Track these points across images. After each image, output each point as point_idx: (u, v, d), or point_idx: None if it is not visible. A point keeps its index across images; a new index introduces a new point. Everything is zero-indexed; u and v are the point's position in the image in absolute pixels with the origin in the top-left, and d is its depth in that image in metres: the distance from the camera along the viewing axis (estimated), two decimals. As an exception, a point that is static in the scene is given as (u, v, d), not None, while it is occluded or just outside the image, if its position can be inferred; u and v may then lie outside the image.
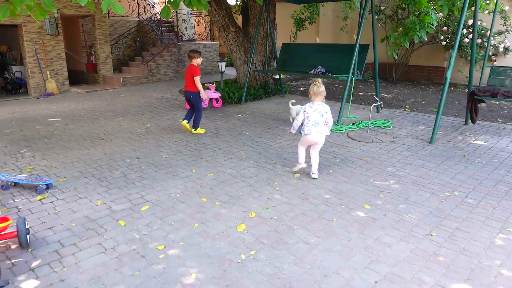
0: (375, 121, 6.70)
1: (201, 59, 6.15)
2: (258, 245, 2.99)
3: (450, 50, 10.04)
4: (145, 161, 4.89)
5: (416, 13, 7.41)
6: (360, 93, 9.59)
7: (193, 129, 6.20)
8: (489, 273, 2.66)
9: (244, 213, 3.51)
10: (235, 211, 3.54)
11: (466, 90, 9.72)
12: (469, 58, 9.44)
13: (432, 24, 7.36)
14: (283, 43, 8.74)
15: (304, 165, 4.45)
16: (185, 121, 6.14)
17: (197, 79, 5.96)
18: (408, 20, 7.39)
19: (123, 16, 12.94)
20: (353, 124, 6.62)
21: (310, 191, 3.97)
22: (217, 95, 8.03)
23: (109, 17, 12.55)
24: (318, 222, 3.34)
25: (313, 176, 4.31)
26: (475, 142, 5.64)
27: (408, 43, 7.85)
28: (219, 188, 4.06)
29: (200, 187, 4.09)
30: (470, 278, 2.60)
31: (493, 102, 8.28)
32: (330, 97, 9.21)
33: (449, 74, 5.46)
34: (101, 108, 8.28)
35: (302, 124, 4.31)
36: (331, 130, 6.15)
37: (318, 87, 4.18)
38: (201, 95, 6.09)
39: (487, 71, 6.63)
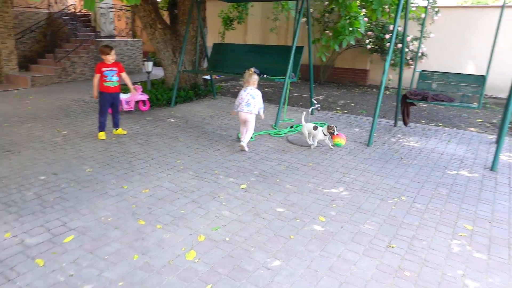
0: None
1: (114, 56, 5.52)
2: (214, 276, 2.59)
3: (374, 53, 10.53)
4: (65, 177, 4.17)
5: (346, 18, 7.53)
6: (292, 95, 9.58)
7: (115, 129, 5.78)
8: (455, 285, 2.59)
9: (192, 236, 3.07)
10: (180, 235, 3.09)
11: (388, 93, 10.29)
12: (394, 62, 9.98)
13: (361, 30, 7.56)
14: (214, 43, 8.34)
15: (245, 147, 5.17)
16: (117, 130, 5.73)
17: (125, 75, 5.59)
18: (339, 24, 7.48)
19: (30, 7, 11.42)
20: (290, 127, 6.48)
21: (260, 204, 3.66)
22: (144, 97, 7.36)
23: (12, 8, 10.97)
24: (275, 241, 3.04)
25: (241, 143, 5.17)
26: (407, 144, 5.82)
27: (338, 46, 7.96)
28: (158, 206, 3.56)
29: (136, 206, 3.54)
30: (439, 294, 2.50)
31: (421, 104, 8.78)
32: (263, 99, 9.03)
33: (384, 78, 5.55)
34: (5, 112, 7.10)
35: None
36: (270, 134, 5.95)
37: (250, 75, 5.26)
38: (130, 94, 5.67)
39: (415, 75, 6.95)
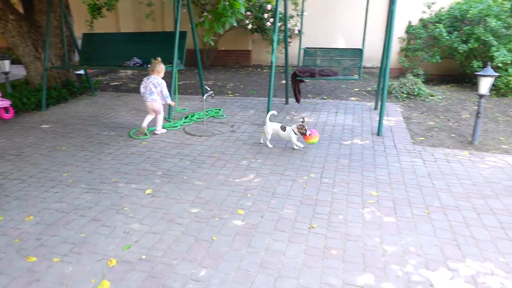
0: (207, 111, 6.42)
1: None
2: (137, 306, 2.25)
3: (255, 34, 10.64)
4: None
5: (225, -1, 7.35)
6: (179, 83, 9.15)
7: None
8: (377, 253, 2.71)
9: (101, 262, 2.64)
10: (86, 264, 2.62)
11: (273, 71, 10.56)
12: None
13: (241, 10, 7.48)
14: (84, 33, 7.39)
15: (145, 130, 5.24)
16: None
17: None
18: (219, 6, 7.26)
19: None
20: (185, 117, 6.15)
21: (172, 208, 3.35)
22: (6, 103, 6.19)
23: None
24: (198, 247, 2.79)
25: (156, 132, 5.32)
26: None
27: (221, 29, 7.78)
28: (50, 234, 2.98)
29: (20, 240, 2.91)
30: (367, 265, 2.58)
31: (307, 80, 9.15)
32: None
33: (273, 58, 5.58)
34: None
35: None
36: (164, 127, 5.55)
37: (155, 64, 5.22)
38: None
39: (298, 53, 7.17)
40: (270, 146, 4.79)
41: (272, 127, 4.78)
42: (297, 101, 6.53)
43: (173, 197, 3.55)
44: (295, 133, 4.61)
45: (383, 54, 6.22)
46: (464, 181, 3.88)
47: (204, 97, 5.83)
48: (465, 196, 3.57)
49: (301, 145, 4.69)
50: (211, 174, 4.05)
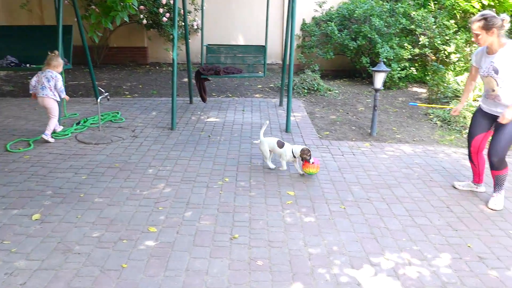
0: (103, 116, 5.77)
1: None
2: None
3: (151, 29, 10.01)
4: None
5: (116, -10, 6.68)
6: (67, 84, 8.12)
7: None
8: (303, 258, 2.62)
9: (-26, 320, 2.06)
10: (-47, 325, 2.03)
11: (171, 69, 10.08)
12: (171, 37, 9.72)
13: (134, 4, 6.90)
14: None
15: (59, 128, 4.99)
16: None
17: None
18: (108, 0, 6.58)
19: None
20: (77, 123, 5.44)
21: (68, 234, 2.83)
22: None
23: None
24: (105, 279, 2.37)
25: (45, 137, 4.66)
26: (209, 120, 5.78)
27: (110, 24, 7.08)
28: None
29: None
30: (295, 273, 2.47)
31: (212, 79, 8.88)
32: (29, 94, 7.33)
33: (175, 55, 5.22)
34: None
35: None
36: (52, 136, 4.81)
37: (50, 58, 4.80)
38: None
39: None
40: (272, 166, 4.05)
41: (268, 143, 4.06)
42: (203, 100, 6.25)
43: (69, 220, 3.02)
44: (294, 155, 3.92)
45: (284, 51, 6.29)
46: (371, 172, 4.06)
47: (99, 100, 5.21)
48: (374, 187, 3.72)
49: (300, 172, 3.98)
50: (113, 188, 3.58)
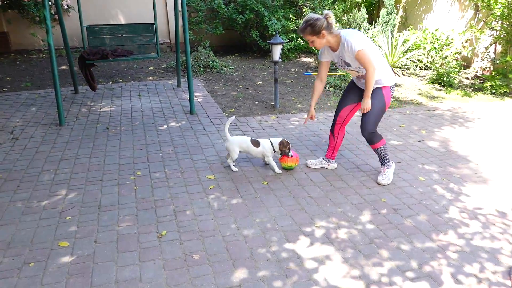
0: (-34, 118, 4.78)
1: None
2: None
3: (9, 11, 8.54)
4: None
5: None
6: None
7: None
8: (240, 242, 2.55)
9: None
10: None
11: (45, 56, 8.83)
12: (37, 18, 8.45)
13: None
14: None
15: None
16: None
17: None
18: None
19: None
20: None
21: (-47, 271, 2.28)
22: None
23: None
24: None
25: None
26: (103, 110, 5.22)
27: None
28: None
29: None
30: (235, 260, 2.39)
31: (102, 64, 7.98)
32: None
33: (50, 40, 4.50)
34: None
35: None
36: None
37: None
38: None
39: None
40: (235, 170, 3.53)
41: (239, 144, 3.47)
42: (93, 88, 5.59)
43: (-51, 253, 2.44)
44: (274, 149, 3.48)
45: (176, 28, 5.94)
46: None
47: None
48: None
49: (277, 170, 3.53)
50: (1, 204, 3.00)
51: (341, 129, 3.47)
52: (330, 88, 6.29)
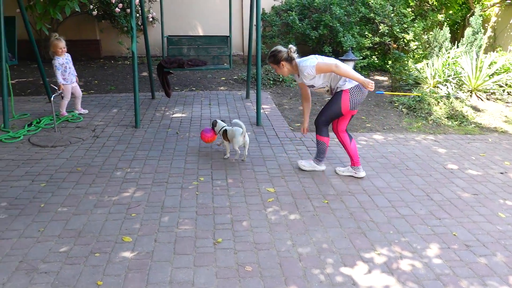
0: (58, 114, 5.31)
1: None
2: None
3: (103, 21, 9.41)
4: None
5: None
6: (13, 81, 7.45)
7: None
8: (293, 259, 2.49)
9: None
10: None
11: (129, 63, 9.57)
12: (126, 28, 9.20)
13: (84, -8, 6.41)
14: None
15: None
16: None
17: None
18: (56, -14, 6.04)
19: None
20: (29, 125, 4.96)
21: (31, 251, 2.51)
22: None
23: None
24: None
25: None
26: (175, 115, 5.49)
27: (60, 15, 6.54)
28: None
29: None
30: (287, 277, 2.34)
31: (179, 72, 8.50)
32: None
33: (134, 48, 4.86)
34: None
35: None
36: (2, 140, 4.37)
37: None
38: None
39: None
40: (228, 156, 4.05)
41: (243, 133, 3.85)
42: (167, 95, 5.93)
43: (30, 234, 2.69)
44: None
45: (249, 41, 6.10)
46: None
47: (52, 98, 4.76)
48: (353, 179, 3.67)
49: (228, 155, 4.06)
50: (78, 195, 3.26)
51: (341, 136, 3.66)
52: (403, 109, 6.00)
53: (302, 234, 2.77)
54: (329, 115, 3.54)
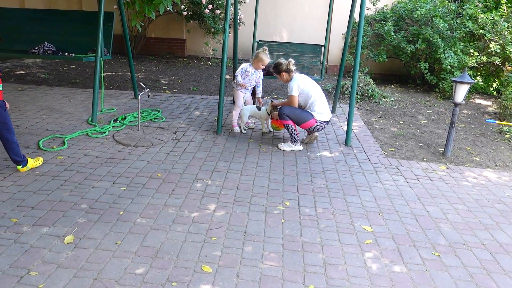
0: (142, 113, 5.29)
1: None
2: None
3: (191, 21, 9.51)
4: None
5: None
6: (104, 74, 7.73)
7: (20, 166, 3.45)
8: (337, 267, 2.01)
9: None
10: None
11: (211, 64, 9.56)
12: (212, 29, 9.19)
13: (178, -8, 6.40)
14: (-27, 7, 5.73)
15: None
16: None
17: None
18: (153, -15, 6.09)
19: None
20: (114, 120, 4.97)
21: (107, 268, 2.31)
22: None
23: None
24: None
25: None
26: (257, 125, 5.20)
27: (153, 13, 6.61)
28: None
29: None
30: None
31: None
32: (64, 83, 6.97)
33: (225, 51, 4.65)
34: None
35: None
36: (89, 134, 4.39)
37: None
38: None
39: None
40: (237, 131, 4.77)
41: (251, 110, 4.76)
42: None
43: (107, 247, 2.51)
44: (268, 113, 4.66)
45: (343, 53, 5.63)
46: (457, 205, 3.39)
47: (139, 97, 4.71)
48: (467, 227, 3.06)
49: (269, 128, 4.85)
50: (157, 205, 3.06)
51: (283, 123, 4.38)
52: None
53: (411, 295, 2.27)
54: (294, 116, 4.27)
